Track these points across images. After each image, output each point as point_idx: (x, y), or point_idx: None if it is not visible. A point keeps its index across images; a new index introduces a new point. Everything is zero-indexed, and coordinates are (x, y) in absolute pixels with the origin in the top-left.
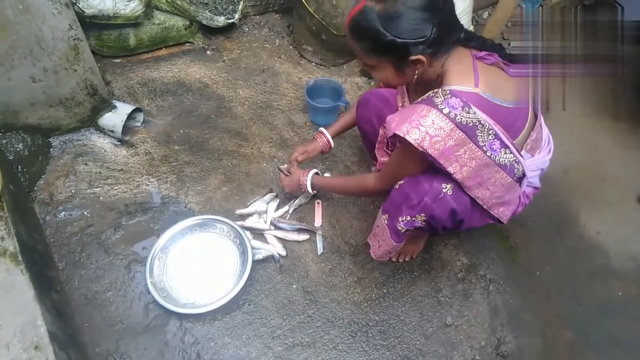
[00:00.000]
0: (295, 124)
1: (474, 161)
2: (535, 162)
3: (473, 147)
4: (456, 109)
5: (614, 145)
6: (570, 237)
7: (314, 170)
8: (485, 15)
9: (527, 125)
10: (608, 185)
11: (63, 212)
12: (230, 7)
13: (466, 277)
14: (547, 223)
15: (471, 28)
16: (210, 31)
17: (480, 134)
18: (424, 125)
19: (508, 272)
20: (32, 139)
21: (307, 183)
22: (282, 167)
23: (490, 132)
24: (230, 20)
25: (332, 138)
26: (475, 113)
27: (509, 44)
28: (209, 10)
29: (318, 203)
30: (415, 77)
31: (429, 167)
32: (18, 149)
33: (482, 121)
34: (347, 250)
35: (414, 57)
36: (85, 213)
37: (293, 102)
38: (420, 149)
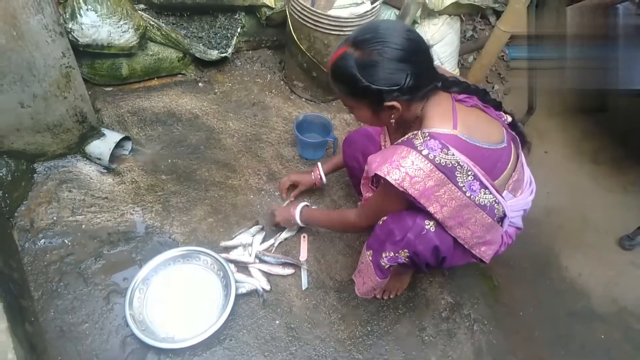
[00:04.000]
0: (284, 157)
1: (453, 201)
2: (517, 203)
3: (452, 188)
4: (435, 150)
5: (595, 188)
6: (553, 278)
7: (304, 203)
8: (471, 59)
9: (509, 166)
10: (589, 228)
11: (43, 240)
12: (224, 42)
13: (450, 317)
14: (530, 263)
15: (457, 71)
16: (203, 64)
17: (459, 175)
18: (403, 166)
19: (492, 312)
20: (17, 164)
21: (297, 214)
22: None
23: (469, 172)
24: (224, 55)
25: (326, 175)
26: (453, 154)
27: (493, 88)
28: (203, 44)
29: (304, 237)
30: (392, 120)
31: (410, 205)
32: (1, 174)
33: (460, 162)
34: (332, 286)
35: (388, 103)
36: (66, 241)
37: (282, 136)
38: (401, 189)
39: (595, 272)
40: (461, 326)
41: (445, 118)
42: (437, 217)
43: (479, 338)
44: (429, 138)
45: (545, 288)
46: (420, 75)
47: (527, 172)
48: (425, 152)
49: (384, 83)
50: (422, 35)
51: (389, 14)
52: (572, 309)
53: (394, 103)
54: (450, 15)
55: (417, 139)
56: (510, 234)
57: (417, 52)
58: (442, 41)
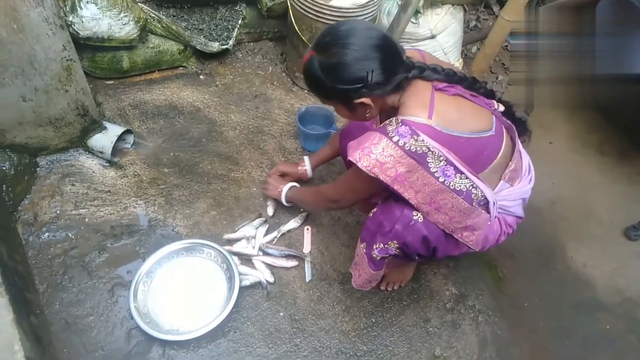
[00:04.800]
0: (286, 150)
1: (427, 187)
2: (514, 192)
3: (425, 174)
4: (405, 137)
5: (600, 178)
6: (558, 268)
7: (293, 184)
8: (474, 49)
9: (500, 154)
10: (594, 218)
11: (47, 233)
12: (225, 34)
13: (455, 308)
14: (535, 254)
15: (460, 61)
16: (204, 56)
17: (431, 161)
18: (374, 153)
19: (496, 303)
20: (19, 158)
21: (284, 190)
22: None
23: (441, 158)
24: (225, 47)
25: (314, 169)
26: (423, 140)
27: (497, 78)
28: (204, 36)
29: (307, 229)
30: (368, 115)
31: (380, 188)
32: (4, 168)
33: (431, 148)
34: (335, 278)
35: (357, 101)
36: (70, 234)
37: (284, 128)
38: (373, 175)
39: (600, 263)
40: (466, 317)
41: (421, 107)
42: (413, 203)
43: (484, 329)
44: (400, 124)
45: (549, 279)
46: (386, 70)
47: (526, 160)
48: (395, 138)
49: (348, 83)
50: (383, 29)
51: (391, 4)
52: (577, 299)
53: (363, 100)
54: (453, 5)
55: (390, 125)
56: (510, 223)
57: (378, 49)
58: (445, 31)
